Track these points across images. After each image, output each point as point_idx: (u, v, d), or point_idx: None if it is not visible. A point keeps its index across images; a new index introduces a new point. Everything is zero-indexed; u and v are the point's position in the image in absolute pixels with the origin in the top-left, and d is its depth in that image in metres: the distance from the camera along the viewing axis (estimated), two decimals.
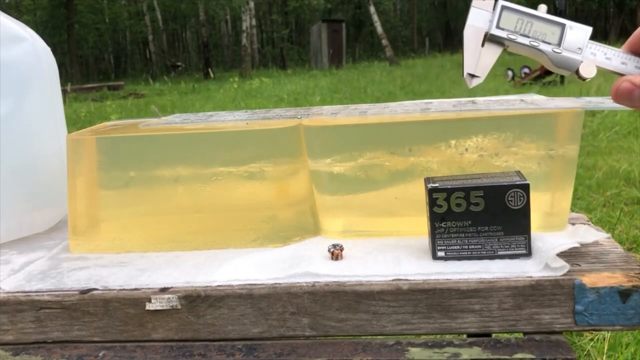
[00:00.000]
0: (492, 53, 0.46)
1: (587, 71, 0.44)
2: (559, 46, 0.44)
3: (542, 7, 0.45)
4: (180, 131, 0.63)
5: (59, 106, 0.75)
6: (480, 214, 0.52)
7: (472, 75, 0.46)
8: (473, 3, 0.46)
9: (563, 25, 0.45)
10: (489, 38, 0.46)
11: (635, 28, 0.46)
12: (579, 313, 0.49)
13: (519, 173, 0.54)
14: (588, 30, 0.45)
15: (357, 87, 8.83)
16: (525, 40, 0.45)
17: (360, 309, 0.51)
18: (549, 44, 0.44)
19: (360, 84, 9.34)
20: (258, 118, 0.64)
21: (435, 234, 0.53)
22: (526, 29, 0.45)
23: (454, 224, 0.53)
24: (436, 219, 0.53)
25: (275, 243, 0.61)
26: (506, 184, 0.51)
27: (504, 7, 0.45)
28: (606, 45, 0.44)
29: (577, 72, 0.44)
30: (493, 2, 0.46)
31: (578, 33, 0.44)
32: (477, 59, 0.46)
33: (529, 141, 0.57)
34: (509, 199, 0.51)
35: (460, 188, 0.52)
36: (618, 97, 0.44)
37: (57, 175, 0.70)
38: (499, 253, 0.53)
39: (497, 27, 0.45)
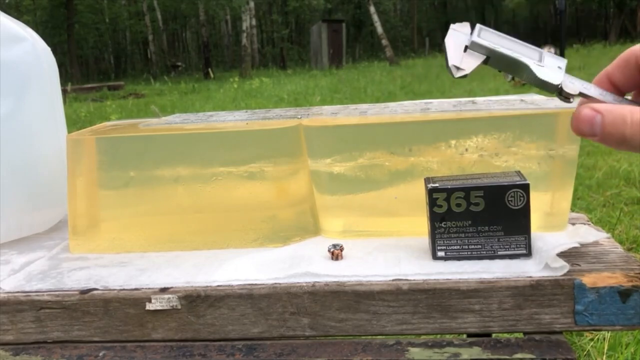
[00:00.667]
0: (474, 60, 0.45)
1: (571, 88, 0.42)
2: (541, 62, 0.43)
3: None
4: (180, 131, 0.63)
5: (59, 106, 0.75)
6: (480, 214, 0.52)
7: (458, 68, 0.45)
8: (452, 26, 0.45)
9: (541, 52, 0.44)
10: (471, 47, 0.44)
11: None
12: (579, 313, 0.49)
13: (519, 173, 0.54)
14: (564, 60, 0.44)
15: (357, 87, 8.84)
16: (508, 51, 0.43)
17: (360, 309, 0.51)
18: (531, 58, 0.43)
19: (360, 84, 9.35)
20: (258, 118, 0.64)
21: (435, 234, 0.53)
22: (506, 46, 0.44)
23: (454, 224, 0.53)
24: (436, 219, 0.53)
25: (275, 243, 0.61)
26: (506, 184, 0.51)
27: (481, 29, 0.44)
28: (582, 80, 0.43)
29: (560, 89, 0.43)
30: (469, 26, 0.45)
31: (556, 59, 0.44)
32: (461, 59, 0.45)
33: (529, 141, 0.57)
34: (509, 199, 0.51)
35: (460, 188, 0.52)
36: (579, 123, 0.39)
37: (57, 175, 0.70)
38: (499, 253, 0.53)
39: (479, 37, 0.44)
